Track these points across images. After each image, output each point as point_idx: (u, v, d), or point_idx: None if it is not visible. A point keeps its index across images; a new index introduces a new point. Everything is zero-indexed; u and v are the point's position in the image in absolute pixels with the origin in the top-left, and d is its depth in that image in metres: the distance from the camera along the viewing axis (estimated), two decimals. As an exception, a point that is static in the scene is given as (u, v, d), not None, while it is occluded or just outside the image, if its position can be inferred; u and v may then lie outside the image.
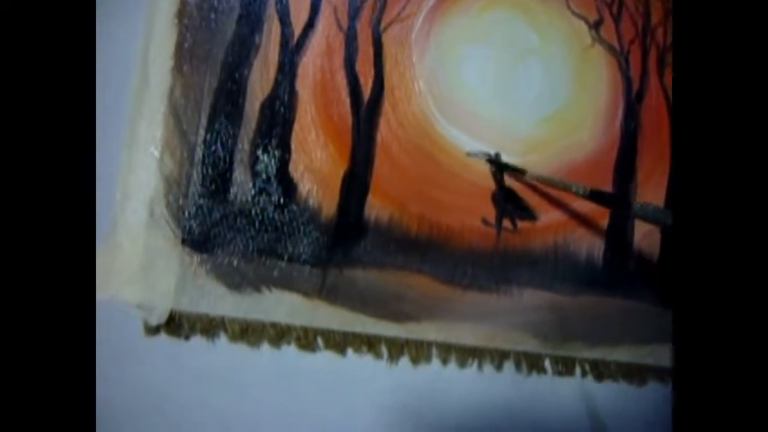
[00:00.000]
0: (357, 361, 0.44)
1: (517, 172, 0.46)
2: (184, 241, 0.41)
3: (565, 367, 0.48)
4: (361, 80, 0.45)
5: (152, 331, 0.41)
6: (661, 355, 0.49)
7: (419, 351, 0.45)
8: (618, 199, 0.48)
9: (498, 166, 0.46)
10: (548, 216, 0.48)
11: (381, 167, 0.45)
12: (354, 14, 0.45)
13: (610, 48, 0.50)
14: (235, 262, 0.42)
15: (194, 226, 0.42)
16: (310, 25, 0.44)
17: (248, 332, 0.42)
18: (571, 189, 0.44)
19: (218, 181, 0.42)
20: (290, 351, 0.43)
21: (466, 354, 0.46)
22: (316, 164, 0.44)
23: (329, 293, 0.43)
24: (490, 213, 0.47)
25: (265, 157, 0.43)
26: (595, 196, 0.43)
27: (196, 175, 0.42)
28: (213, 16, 0.43)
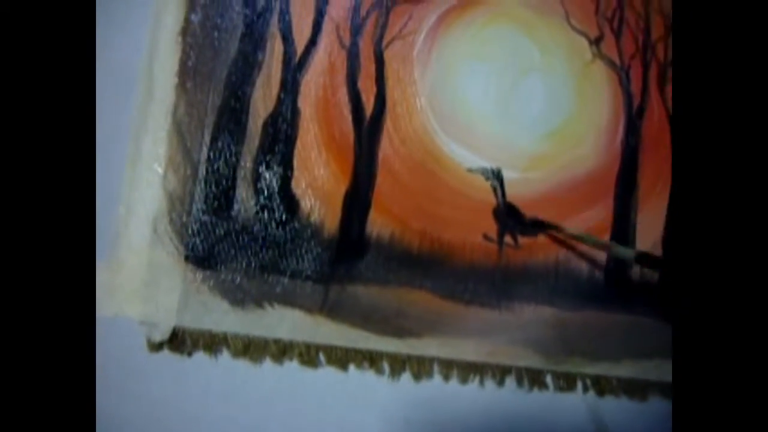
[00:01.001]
0: (359, 377, 0.44)
1: (551, 229, 0.47)
2: (187, 258, 0.42)
3: (567, 382, 0.48)
4: (363, 97, 0.45)
5: (155, 347, 0.41)
6: (663, 370, 0.49)
7: (421, 367, 0.45)
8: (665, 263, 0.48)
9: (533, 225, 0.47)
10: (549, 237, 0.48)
11: (383, 184, 0.45)
12: (356, 32, 0.45)
13: (611, 63, 0.50)
14: (237, 279, 0.42)
15: (197, 242, 0.42)
16: (312, 42, 0.45)
17: (251, 348, 0.43)
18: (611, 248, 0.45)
19: (221, 198, 0.43)
20: (292, 367, 0.43)
21: (467, 370, 0.46)
22: (318, 181, 0.44)
23: (331, 309, 0.44)
24: (492, 229, 0.47)
25: (268, 175, 0.43)
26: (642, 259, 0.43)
27: (199, 192, 0.42)
28: (216, 34, 0.43)
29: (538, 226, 0.47)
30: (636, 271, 0.49)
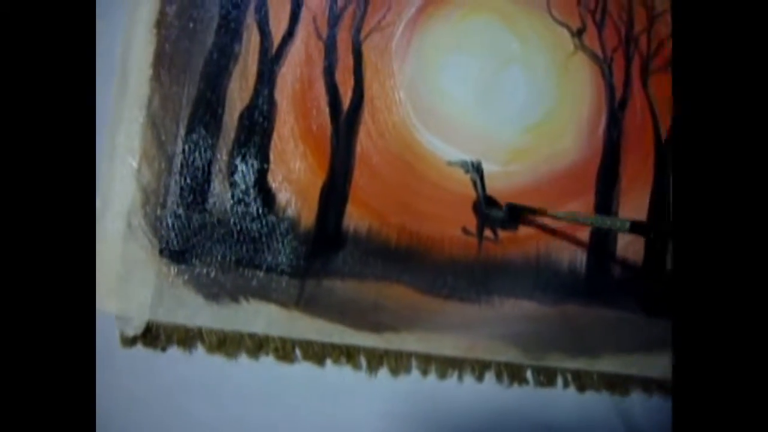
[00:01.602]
0: (336, 372, 0.44)
1: (536, 213, 0.46)
2: (161, 252, 0.41)
3: (547, 377, 0.47)
4: (341, 90, 0.45)
5: (129, 342, 0.41)
6: (644, 364, 0.49)
7: (399, 362, 0.45)
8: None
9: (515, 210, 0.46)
10: (529, 225, 0.47)
11: (360, 177, 0.45)
12: (334, 23, 0.45)
13: (593, 56, 0.49)
14: (212, 273, 0.42)
15: (172, 236, 0.42)
16: (289, 34, 0.44)
17: (226, 343, 0.42)
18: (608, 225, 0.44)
19: (196, 191, 0.42)
20: (268, 362, 0.43)
21: (446, 365, 0.46)
22: (294, 174, 0.43)
23: (307, 304, 0.43)
24: (471, 222, 0.46)
25: (244, 168, 0.43)
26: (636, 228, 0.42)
27: (174, 186, 0.42)
28: (192, 25, 0.43)
29: (518, 212, 0.46)
30: (618, 265, 0.49)
